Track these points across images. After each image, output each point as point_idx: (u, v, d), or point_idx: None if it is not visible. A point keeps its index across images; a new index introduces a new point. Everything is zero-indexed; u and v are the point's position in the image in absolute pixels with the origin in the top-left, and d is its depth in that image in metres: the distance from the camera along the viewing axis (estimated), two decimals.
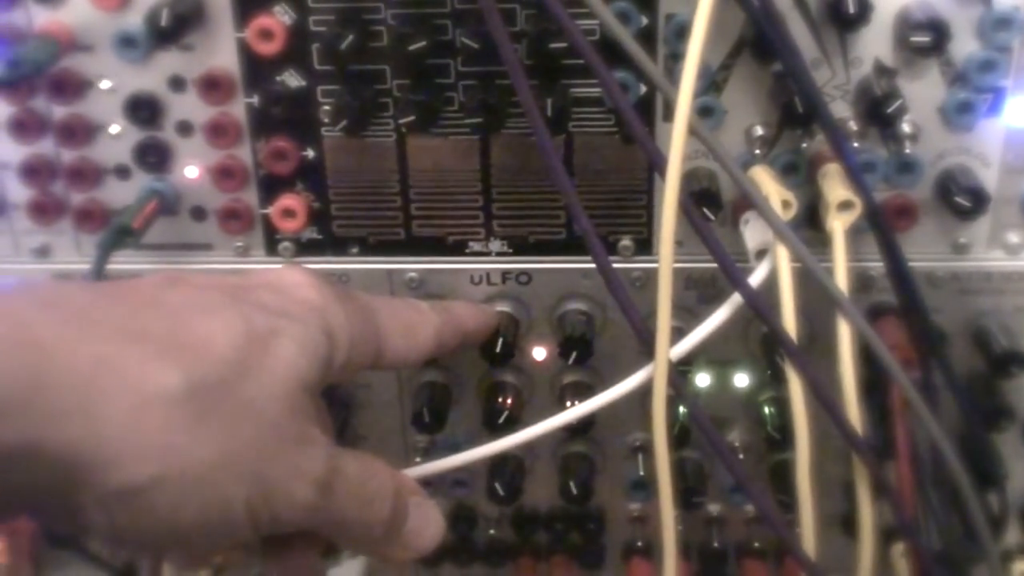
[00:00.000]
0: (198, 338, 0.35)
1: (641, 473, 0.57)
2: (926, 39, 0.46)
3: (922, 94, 0.49)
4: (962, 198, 0.49)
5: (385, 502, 0.41)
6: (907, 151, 0.49)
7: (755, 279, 0.45)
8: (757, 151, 0.50)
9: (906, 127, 0.49)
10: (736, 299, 0.45)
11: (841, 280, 0.46)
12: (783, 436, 0.54)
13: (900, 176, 0.50)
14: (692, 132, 0.43)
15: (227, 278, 0.41)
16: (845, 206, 0.47)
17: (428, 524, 0.44)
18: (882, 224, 0.47)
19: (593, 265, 0.46)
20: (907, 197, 0.51)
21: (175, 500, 0.33)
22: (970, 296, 0.53)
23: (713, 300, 0.51)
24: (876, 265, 0.51)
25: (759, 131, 0.50)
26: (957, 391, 0.51)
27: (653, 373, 0.44)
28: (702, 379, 0.56)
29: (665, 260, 0.43)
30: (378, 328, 0.44)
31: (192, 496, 0.33)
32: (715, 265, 0.46)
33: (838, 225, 0.47)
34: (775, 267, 0.45)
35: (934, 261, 0.53)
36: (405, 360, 0.46)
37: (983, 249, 0.52)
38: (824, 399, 0.45)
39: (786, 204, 0.47)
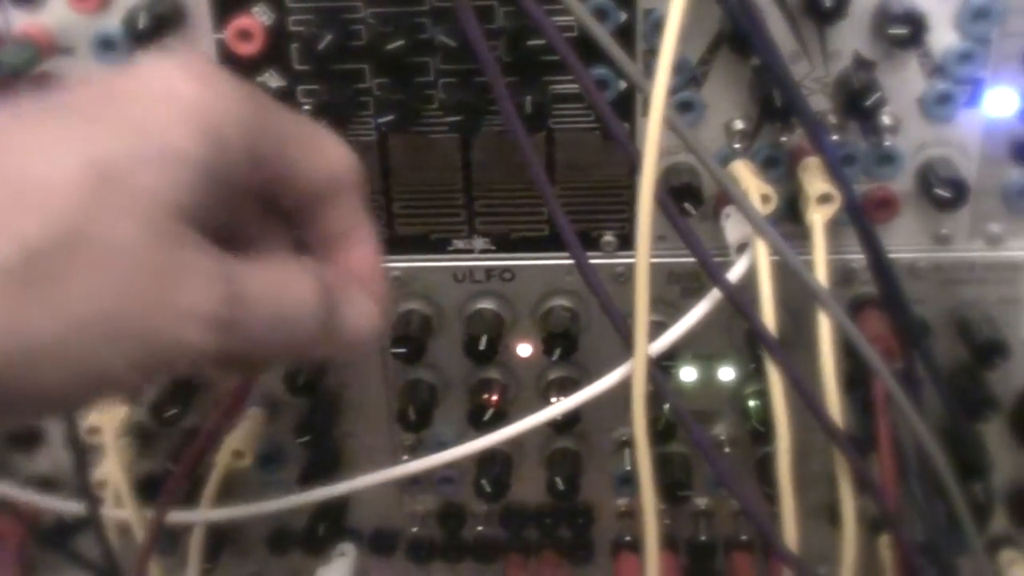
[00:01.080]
0: (35, 191, 0.30)
1: (628, 468, 0.57)
2: (904, 31, 0.46)
3: (901, 86, 0.49)
4: (942, 189, 0.49)
5: (307, 314, 0.35)
6: (887, 143, 0.49)
7: (734, 274, 0.45)
8: (737, 145, 0.50)
9: (886, 119, 0.49)
10: (715, 294, 0.45)
11: (821, 273, 0.46)
12: (767, 429, 0.54)
13: (880, 168, 0.50)
14: (669, 126, 0.43)
15: (90, 88, 0.33)
16: (825, 199, 0.47)
17: (361, 318, 0.37)
18: (861, 216, 0.47)
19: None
20: (888, 189, 0.51)
21: (38, 377, 0.29)
22: (953, 287, 0.53)
23: (696, 294, 0.51)
24: (857, 258, 0.51)
25: (739, 125, 0.50)
26: (939, 382, 0.51)
27: (632, 368, 0.44)
28: (687, 373, 0.56)
29: (642, 254, 0.43)
30: (281, 125, 0.35)
31: (56, 370, 0.30)
32: None
33: (818, 218, 0.47)
34: (754, 261, 0.45)
35: (916, 252, 0.53)
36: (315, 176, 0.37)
37: (965, 240, 0.52)
38: (803, 392, 0.45)
39: (765, 198, 0.47)
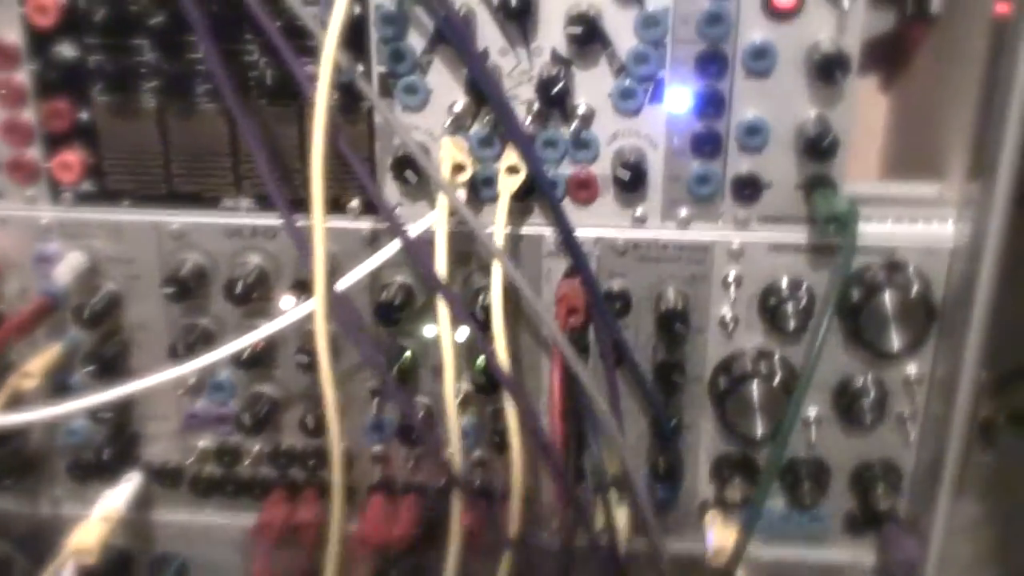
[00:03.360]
0: None
1: (373, 414, 0.65)
2: (578, 31, 0.54)
3: (594, 82, 0.57)
4: (622, 172, 0.57)
5: None
6: (583, 131, 0.57)
7: (415, 228, 0.53)
8: (447, 124, 0.58)
9: (581, 109, 0.57)
10: (395, 244, 0.53)
11: (500, 233, 0.54)
12: (487, 382, 0.61)
13: (579, 152, 0.58)
14: (376, 106, 0.50)
15: None
16: (512, 170, 0.55)
17: None
18: (545, 189, 0.55)
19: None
20: (589, 172, 0.59)
21: None
22: (650, 264, 0.61)
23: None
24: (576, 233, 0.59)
25: (457, 108, 0.58)
26: (624, 345, 0.58)
27: (316, 305, 0.52)
28: (429, 331, 0.63)
29: (316, 210, 0.51)
30: None
31: None
32: None
33: (504, 186, 0.55)
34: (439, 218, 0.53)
35: (617, 231, 0.60)
36: None
37: (658, 222, 0.60)
38: (470, 324, 0.52)
39: (458, 167, 0.55)
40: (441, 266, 0.53)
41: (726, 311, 0.61)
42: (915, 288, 0.58)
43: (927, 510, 0.63)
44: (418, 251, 0.53)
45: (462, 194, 0.55)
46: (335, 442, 0.54)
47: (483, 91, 0.55)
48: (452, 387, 0.53)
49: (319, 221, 0.50)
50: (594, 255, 0.61)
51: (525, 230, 0.60)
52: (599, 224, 0.60)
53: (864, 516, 0.65)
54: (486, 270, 0.60)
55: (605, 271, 0.61)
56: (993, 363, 0.58)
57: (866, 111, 0.73)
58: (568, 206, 0.60)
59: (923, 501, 0.63)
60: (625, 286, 0.61)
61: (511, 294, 0.60)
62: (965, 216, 0.58)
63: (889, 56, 0.70)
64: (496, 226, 0.54)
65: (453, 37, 0.54)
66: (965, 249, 0.58)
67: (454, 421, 0.54)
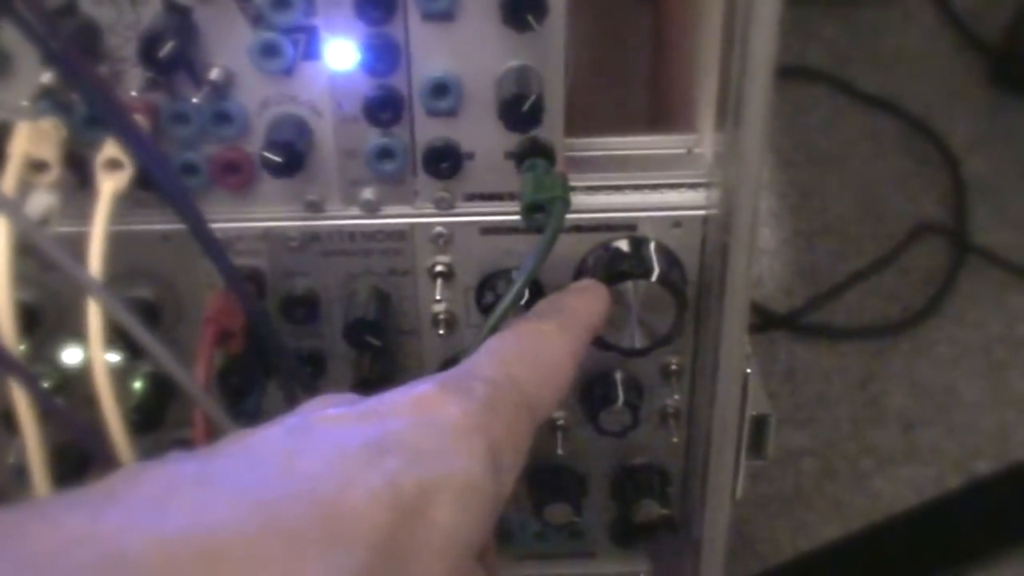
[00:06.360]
0: (339, 521, 0.28)
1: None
2: None
3: (228, 36, 0.43)
4: (271, 153, 0.44)
5: None
6: (214, 100, 0.44)
7: None
8: (32, 101, 0.43)
9: (214, 73, 0.44)
10: None
11: (96, 255, 0.41)
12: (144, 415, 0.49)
13: (219, 128, 0.45)
14: None
15: (361, 408, 0.33)
16: (113, 164, 0.42)
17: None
18: (162, 183, 0.42)
19: None
20: (238, 151, 0.46)
21: None
22: (337, 258, 0.48)
23: None
24: (233, 226, 0.47)
25: (47, 79, 0.44)
26: (285, 358, 0.46)
27: None
28: (72, 355, 0.50)
29: None
30: (531, 405, 0.36)
31: None
32: None
33: (107, 187, 0.42)
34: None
35: (286, 221, 0.47)
36: (553, 410, 0.39)
37: (339, 207, 0.47)
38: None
39: (40, 166, 0.41)
40: (7, 331, 0.39)
41: (439, 309, 0.50)
42: (658, 270, 0.47)
43: (699, 516, 0.53)
44: None
45: (47, 202, 0.41)
46: None
47: (49, 52, 0.40)
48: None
49: None
50: (263, 253, 0.48)
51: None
52: (263, 215, 0.47)
53: (631, 527, 0.55)
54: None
55: (281, 271, 0.48)
56: None
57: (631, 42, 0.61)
58: (219, 196, 0.47)
59: (695, 506, 0.54)
60: (310, 287, 0.49)
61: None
62: (715, 174, 0.47)
63: None
64: (93, 244, 0.41)
65: None
66: (717, 217, 0.47)
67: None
